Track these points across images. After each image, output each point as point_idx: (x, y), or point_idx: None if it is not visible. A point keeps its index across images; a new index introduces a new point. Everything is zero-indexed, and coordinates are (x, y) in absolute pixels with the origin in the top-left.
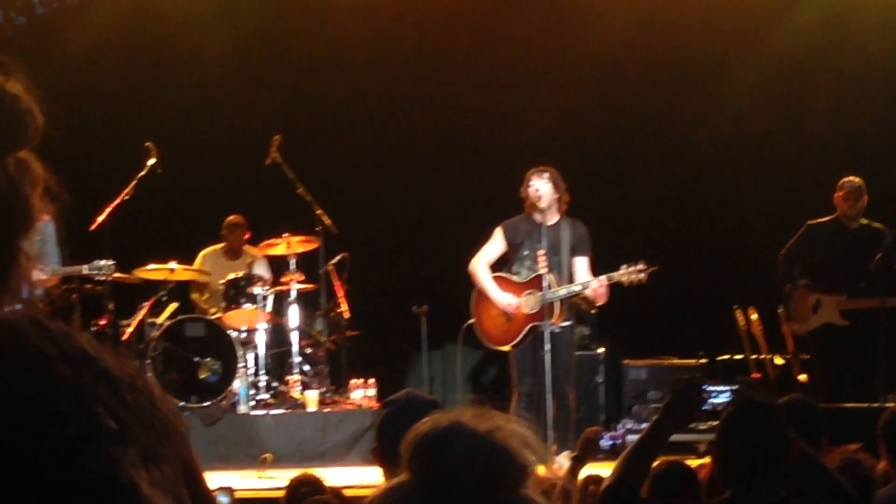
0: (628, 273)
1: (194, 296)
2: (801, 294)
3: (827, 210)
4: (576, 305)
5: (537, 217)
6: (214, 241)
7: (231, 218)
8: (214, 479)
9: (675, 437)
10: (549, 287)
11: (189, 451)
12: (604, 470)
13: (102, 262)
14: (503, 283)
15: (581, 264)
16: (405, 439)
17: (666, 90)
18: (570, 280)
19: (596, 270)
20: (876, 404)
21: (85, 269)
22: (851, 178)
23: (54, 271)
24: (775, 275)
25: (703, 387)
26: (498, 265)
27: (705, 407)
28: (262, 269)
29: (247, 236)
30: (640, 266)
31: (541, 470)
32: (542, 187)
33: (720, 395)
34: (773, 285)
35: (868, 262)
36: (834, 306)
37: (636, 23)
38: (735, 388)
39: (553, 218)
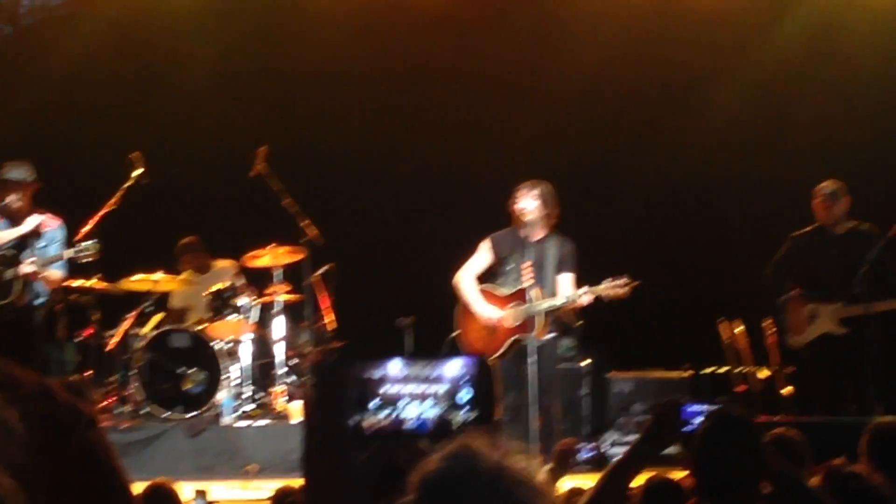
0: (612, 287)
1: (190, 315)
2: (795, 305)
3: (814, 220)
4: (559, 318)
5: (524, 232)
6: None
7: (183, 241)
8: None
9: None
10: (533, 300)
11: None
12: (586, 482)
13: (84, 244)
14: (488, 296)
15: (565, 280)
16: (415, 475)
17: (653, 104)
18: (554, 295)
19: (581, 286)
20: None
21: (70, 253)
22: (825, 183)
23: (40, 261)
24: (766, 289)
25: (685, 408)
26: (485, 278)
27: (688, 429)
28: (240, 280)
29: (200, 256)
30: (624, 280)
31: None
32: (528, 204)
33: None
34: (762, 299)
35: (860, 266)
36: (831, 315)
37: (624, 37)
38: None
39: (540, 233)
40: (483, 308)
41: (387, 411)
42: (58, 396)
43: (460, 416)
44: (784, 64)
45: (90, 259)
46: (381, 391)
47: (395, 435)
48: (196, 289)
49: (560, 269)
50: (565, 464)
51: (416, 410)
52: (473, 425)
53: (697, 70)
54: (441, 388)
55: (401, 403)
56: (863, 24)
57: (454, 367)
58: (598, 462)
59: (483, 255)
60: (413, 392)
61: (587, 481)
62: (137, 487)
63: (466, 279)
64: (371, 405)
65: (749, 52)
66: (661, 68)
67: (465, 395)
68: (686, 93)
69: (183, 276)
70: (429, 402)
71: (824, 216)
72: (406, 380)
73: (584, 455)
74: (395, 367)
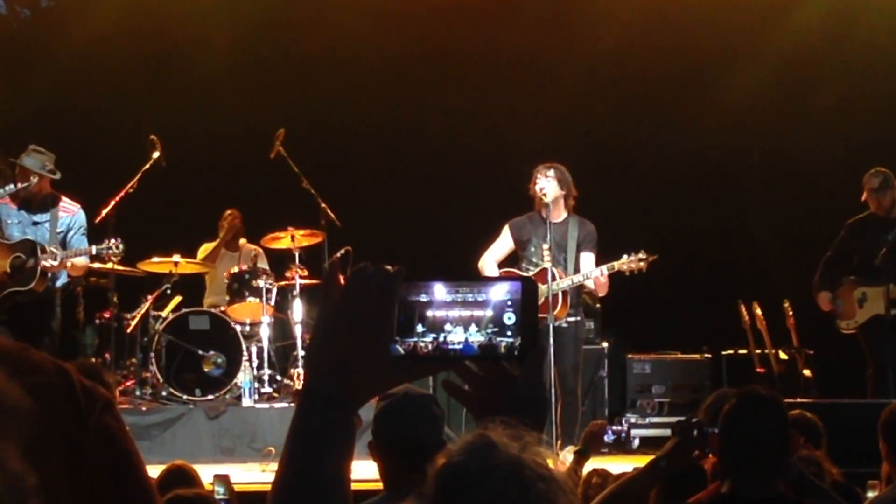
0: (629, 262)
1: (207, 296)
2: (847, 290)
3: (834, 205)
4: (582, 301)
5: (544, 214)
6: (215, 236)
7: (228, 211)
8: (217, 471)
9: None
10: (554, 279)
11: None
12: (608, 464)
13: (111, 243)
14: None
15: (587, 260)
16: (432, 468)
17: (671, 87)
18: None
19: (601, 265)
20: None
21: (94, 250)
22: (871, 174)
23: (64, 255)
24: (815, 287)
25: (705, 429)
26: (507, 262)
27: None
28: (263, 263)
29: (236, 226)
30: (641, 255)
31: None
32: (546, 185)
33: None
34: (781, 281)
35: None
36: (880, 297)
37: (641, 20)
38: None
39: (560, 215)
40: None
41: (432, 335)
42: (74, 379)
43: (506, 341)
44: (802, 46)
45: (115, 258)
46: (427, 315)
47: (442, 359)
48: (222, 265)
49: (581, 248)
50: (593, 446)
51: (462, 335)
52: (520, 349)
53: (715, 53)
54: (486, 313)
55: (447, 327)
56: (880, 7)
57: (499, 291)
58: (621, 445)
59: (504, 240)
60: (458, 316)
61: (608, 464)
62: (157, 469)
63: (489, 264)
64: (418, 329)
65: (767, 35)
66: (678, 52)
67: (510, 318)
68: (704, 76)
69: (204, 249)
70: (473, 326)
71: (875, 208)
72: (451, 304)
73: (609, 438)
74: (440, 290)
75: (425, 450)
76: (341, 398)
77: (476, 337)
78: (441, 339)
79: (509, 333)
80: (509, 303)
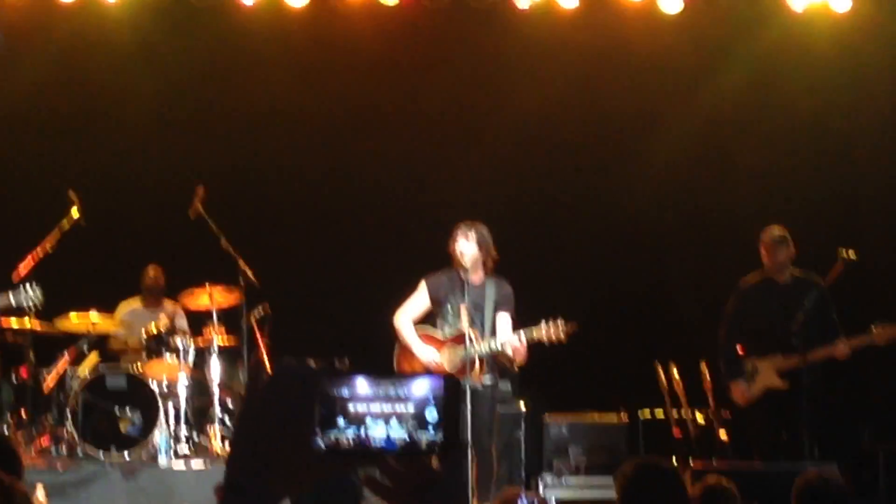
0: (548, 331)
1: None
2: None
3: (751, 265)
4: (499, 363)
5: (462, 274)
6: (135, 293)
7: (150, 267)
8: None
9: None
10: (472, 343)
11: None
12: None
13: (30, 290)
14: (426, 339)
15: (503, 320)
16: None
17: (593, 148)
18: (493, 337)
19: (518, 329)
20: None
21: (11, 299)
22: (771, 227)
23: None
24: (720, 349)
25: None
26: (424, 319)
27: None
28: (182, 322)
29: (159, 282)
30: (560, 324)
31: None
32: (466, 248)
33: None
34: (698, 342)
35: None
36: (770, 369)
37: (566, 81)
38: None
39: (478, 276)
40: (423, 350)
41: (353, 430)
42: None
43: (427, 437)
44: (724, 110)
45: (33, 305)
46: (348, 409)
47: (363, 454)
48: (142, 322)
49: (498, 310)
50: None
51: (384, 430)
52: (440, 446)
53: (639, 115)
54: (408, 409)
55: (368, 422)
56: (801, 69)
57: (421, 387)
58: None
59: (421, 297)
60: (380, 411)
61: None
62: None
63: (405, 321)
64: (339, 423)
65: (691, 96)
66: (603, 112)
67: (431, 415)
68: (626, 137)
69: (123, 309)
70: (395, 421)
71: (769, 261)
72: (373, 399)
73: (525, 503)
74: (362, 385)
75: None
76: (262, 493)
77: (397, 432)
78: (362, 433)
79: (431, 429)
80: (431, 399)
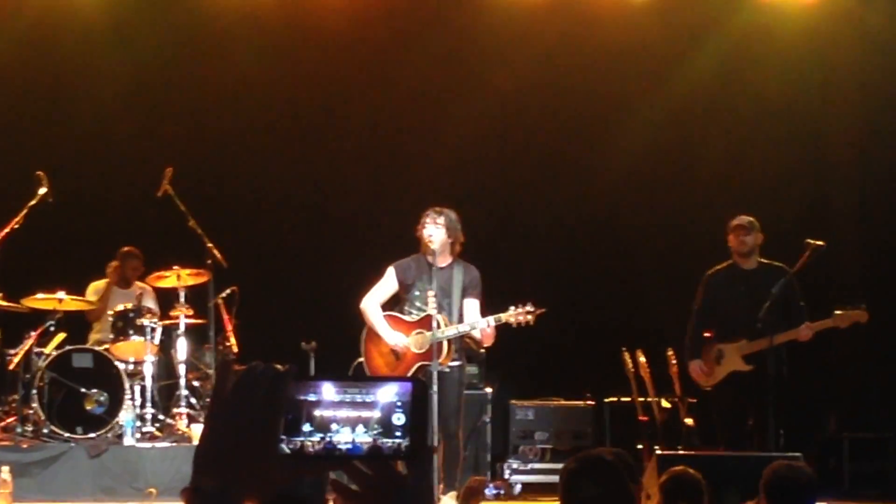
0: (516, 314)
1: (93, 333)
2: (705, 349)
3: (718, 253)
4: (466, 345)
5: (429, 258)
6: (103, 274)
7: (126, 248)
8: None
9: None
10: (439, 327)
11: None
12: None
13: None
14: (394, 322)
15: (471, 306)
16: None
17: (563, 132)
18: (460, 321)
19: (486, 312)
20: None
21: None
22: (739, 216)
23: None
24: (689, 337)
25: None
26: (389, 304)
27: None
28: (150, 302)
29: (139, 269)
30: (529, 308)
31: None
32: (434, 232)
33: None
34: (664, 329)
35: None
36: (735, 353)
37: (537, 65)
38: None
39: (445, 260)
40: (390, 334)
41: (320, 435)
42: None
43: (394, 442)
44: (694, 96)
45: None
46: (314, 415)
47: (329, 459)
48: (113, 302)
49: (465, 294)
50: (472, 500)
51: (350, 435)
52: (408, 451)
53: (609, 100)
54: (374, 413)
55: (334, 427)
56: (772, 56)
57: (389, 392)
58: (504, 498)
59: (388, 282)
60: (346, 416)
61: None
62: None
63: (372, 305)
64: (305, 428)
65: (660, 84)
66: (573, 97)
67: (399, 419)
68: (596, 122)
69: (94, 287)
70: (361, 427)
71: (736, 245)
72: (339, 404)
73: (491, 492)
74: (328, 390)
75: None
76: (228, 496)
77: (363, 437)
78: (328, 438)
79: (398, 434)
80: (399, 404)
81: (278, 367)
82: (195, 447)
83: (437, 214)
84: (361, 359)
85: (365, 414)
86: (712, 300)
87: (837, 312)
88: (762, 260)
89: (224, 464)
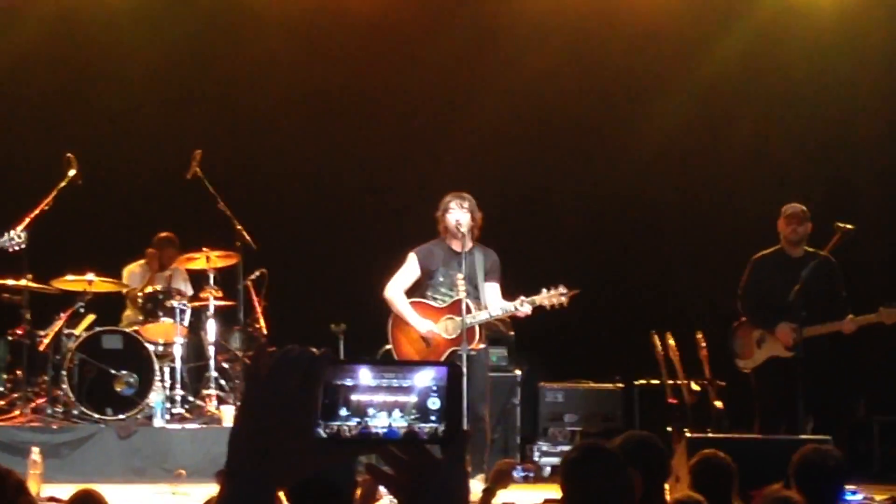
0: (549, 297)
1: (127, 312)
2: (745, 330)
3: (748, 235)
4: (494, 328)
5: (454, 244)
6: (134, 254)
7: (163, 234)
8: (128, 492)
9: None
10: (469, 312)
11: None
12: (521, 492)
13: (11, 233)
14: (422, 309)
15: (492, 290)
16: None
17: (591, 116)
18: (484, 305)
19: (512, 296)
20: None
21: None
22: (794, 203)
23: None
24: (746, 318)
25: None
26: (410, 290)
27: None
28: (181, 284)
29: (174, 256)
30: (561, 290)
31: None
32: (462, 217)
33: None
34: (694, 312)
35: (815, 291)
36: (778, 339)
37: (564, 50)
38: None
39: (468, 245)
40: (419, 321)
41: (356, 420)
42: None
43: (430, 427)
44: (723, 77)
45: (18, 248)
46: (351, 399)
47: (364, 443)
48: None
49: (488, 277)
50: (500, 483)
51: (386, 420)
52: (443, 435)
53: (636, 83)
54: (411, 398)
55: (370, 412)
56: (800, 38)
57: (425, 377)
58: (533, 480)
59: (411, 268)
60: (382, 401)
61: (521, 492)
62: (66, 488)
63: (398, 293)
64: (341, 413)
65: (689, 66)
66: (600, 81)
67: (434, 404)
68: (625, 104)
69: (128, 271)
70: (397, 411)
71: (788, 233)
72: (375, 389)
73: (519, 475)
74: (365, 375)
75: (338, 491)
76: (263, 480)
77: (399, 422)
78: (365, 423)
79: (433, 419)
80: (434, 388)
81: (314, 350)
82: (228, 429)
83: (463, 200)
84: (389, 346)
85: (401, 398)
86: (758, 283)
87: (883, 309)
88: (809, 249)
89: (260, 447)
